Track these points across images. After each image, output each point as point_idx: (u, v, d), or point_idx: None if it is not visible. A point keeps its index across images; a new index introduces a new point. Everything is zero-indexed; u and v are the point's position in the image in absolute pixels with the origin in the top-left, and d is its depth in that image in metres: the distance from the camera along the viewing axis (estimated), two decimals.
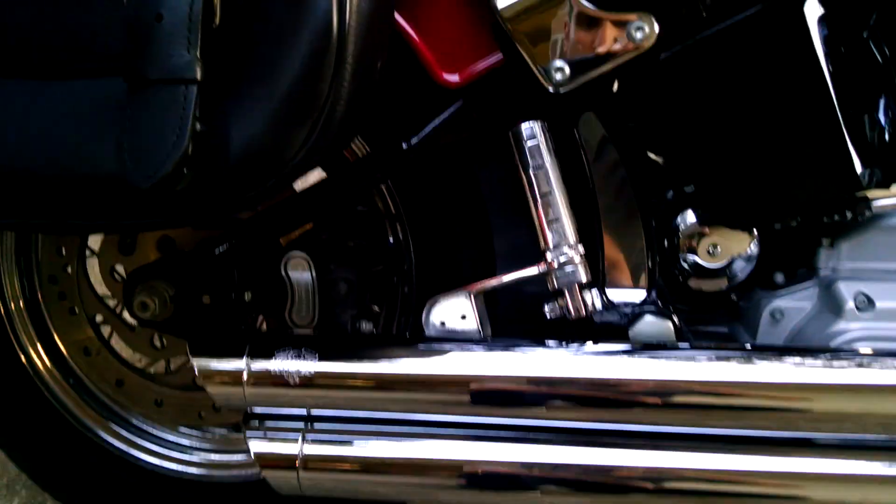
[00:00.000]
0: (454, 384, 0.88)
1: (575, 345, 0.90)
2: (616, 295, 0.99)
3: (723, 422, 0.85)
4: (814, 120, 0.93)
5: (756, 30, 0.91)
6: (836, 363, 0.83)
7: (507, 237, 1.06)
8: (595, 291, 0.92)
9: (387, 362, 0.88)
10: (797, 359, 0.82)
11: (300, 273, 1.06)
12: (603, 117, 0.96)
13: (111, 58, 0.70)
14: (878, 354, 0.84)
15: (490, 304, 1.01)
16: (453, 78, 0.96)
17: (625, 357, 0.88)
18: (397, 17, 0.95)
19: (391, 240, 1.13)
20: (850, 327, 0.93)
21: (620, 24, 0.87)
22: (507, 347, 0.89)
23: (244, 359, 0.89)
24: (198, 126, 0.66)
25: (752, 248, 1.00)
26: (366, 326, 1.10)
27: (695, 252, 1.01)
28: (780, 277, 1.02)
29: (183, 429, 1.22)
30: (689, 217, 1.01)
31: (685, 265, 1.02)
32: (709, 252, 1.00)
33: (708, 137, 0.95)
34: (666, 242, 1.02)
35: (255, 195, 0.72)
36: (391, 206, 1.10)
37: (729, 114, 0.94)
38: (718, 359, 0.84)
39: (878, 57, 0.96)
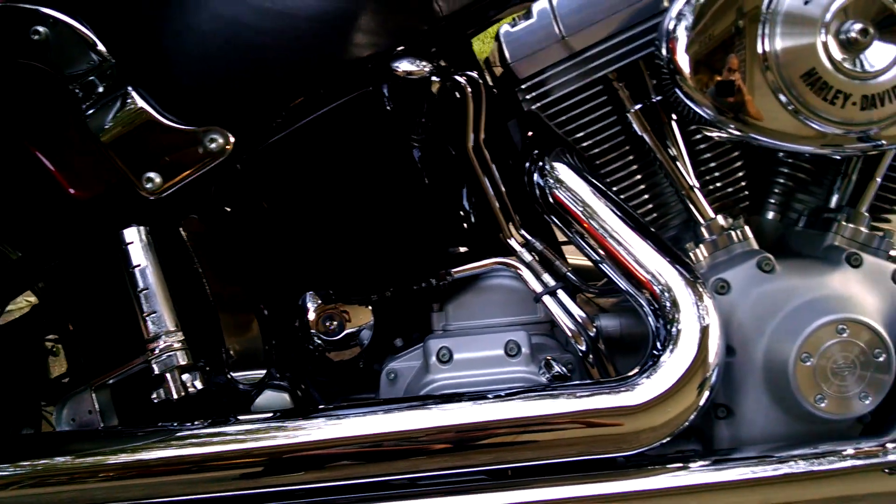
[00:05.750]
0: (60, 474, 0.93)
1: (189, 424, 0.98)
2: (240, 375, 1.09)
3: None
4: (401, 205, 1.09)
5: (329, 131, 1.06)
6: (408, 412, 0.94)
7: None
8: (196, 373, 1.00)
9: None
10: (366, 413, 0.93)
11: None
12: (206, 217, 1.08)
13: None
14: (449, 398, 0.97)
15: None
16: (78, 194, 1.06)
17: (225, 431, 0.96)
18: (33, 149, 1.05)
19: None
20: (436, 378, 1.06)
21: (197, 136, 1.00)
22: (118, 436, 0.96)
23: None
24: None
25: (370, 319, 1.13)
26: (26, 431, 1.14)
27: (317, 328, 1.12)
28: (399, 342, 1.15)
29: None
30: (313, 296, 1.13)
31: (318, 340, 1.13)
32: (328, 326, 1.12)
33: (299, 224, 1.09)
34: (298, 321, 1.13)
35: None
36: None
37: (311, 204, 1.08)
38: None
39: (452, 151, 1.12)
